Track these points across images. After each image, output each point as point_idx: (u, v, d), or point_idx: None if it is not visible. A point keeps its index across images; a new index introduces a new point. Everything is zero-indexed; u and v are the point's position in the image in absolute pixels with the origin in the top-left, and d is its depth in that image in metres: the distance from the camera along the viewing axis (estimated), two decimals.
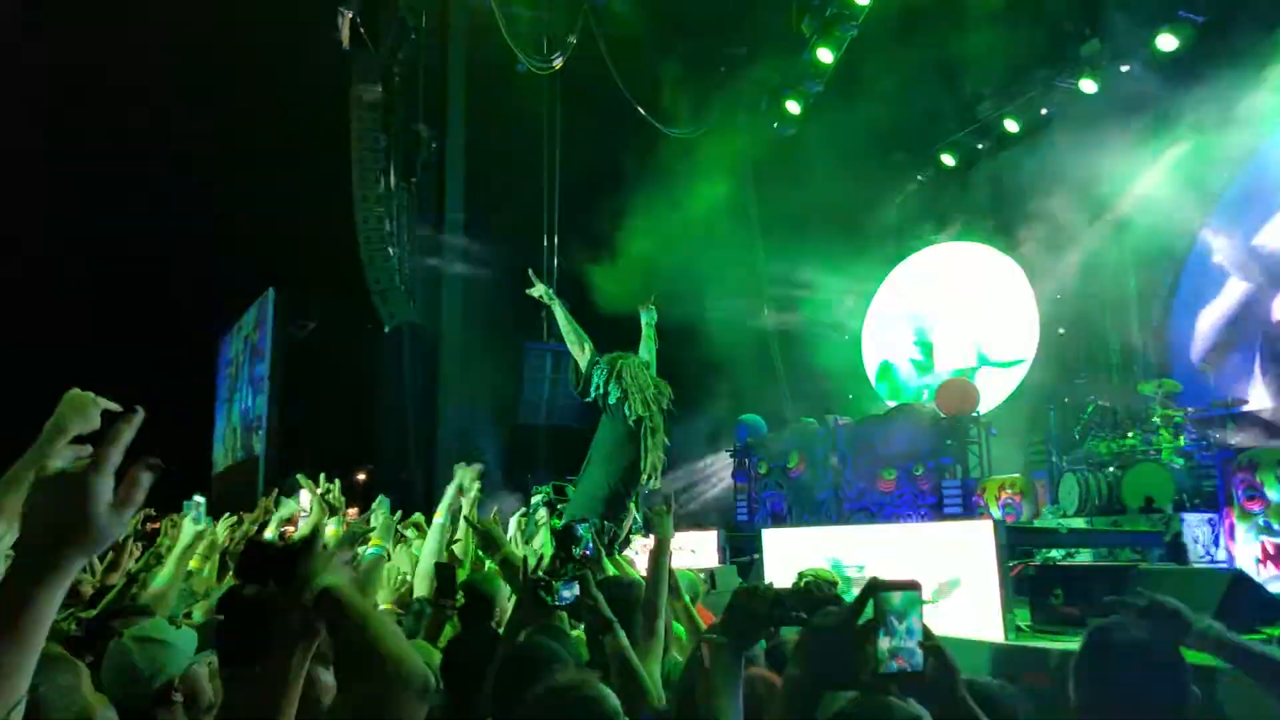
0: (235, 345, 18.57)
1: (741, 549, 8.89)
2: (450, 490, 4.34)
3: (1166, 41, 11.80)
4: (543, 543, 5.73)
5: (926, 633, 1.43)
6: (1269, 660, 2.00)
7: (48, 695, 1.55)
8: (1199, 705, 1.98)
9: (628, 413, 6.03)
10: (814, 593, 1.71)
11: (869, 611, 1.42)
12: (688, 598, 4.28)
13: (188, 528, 3.46)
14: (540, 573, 2.69)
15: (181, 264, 14.60)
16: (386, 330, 14.30)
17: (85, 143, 13.58)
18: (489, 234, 14.00)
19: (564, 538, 2.97)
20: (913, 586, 1.43)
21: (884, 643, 1.40)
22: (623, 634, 2.42)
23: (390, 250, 13.56)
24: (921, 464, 10.91)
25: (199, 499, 3.67)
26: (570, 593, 2.57)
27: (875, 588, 1.43)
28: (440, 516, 4.14)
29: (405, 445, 14.57)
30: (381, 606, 3.85)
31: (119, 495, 1.10)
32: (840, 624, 1.45)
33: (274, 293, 16.45)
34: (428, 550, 3.96)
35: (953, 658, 1.47)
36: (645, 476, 6.34)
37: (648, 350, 6.56)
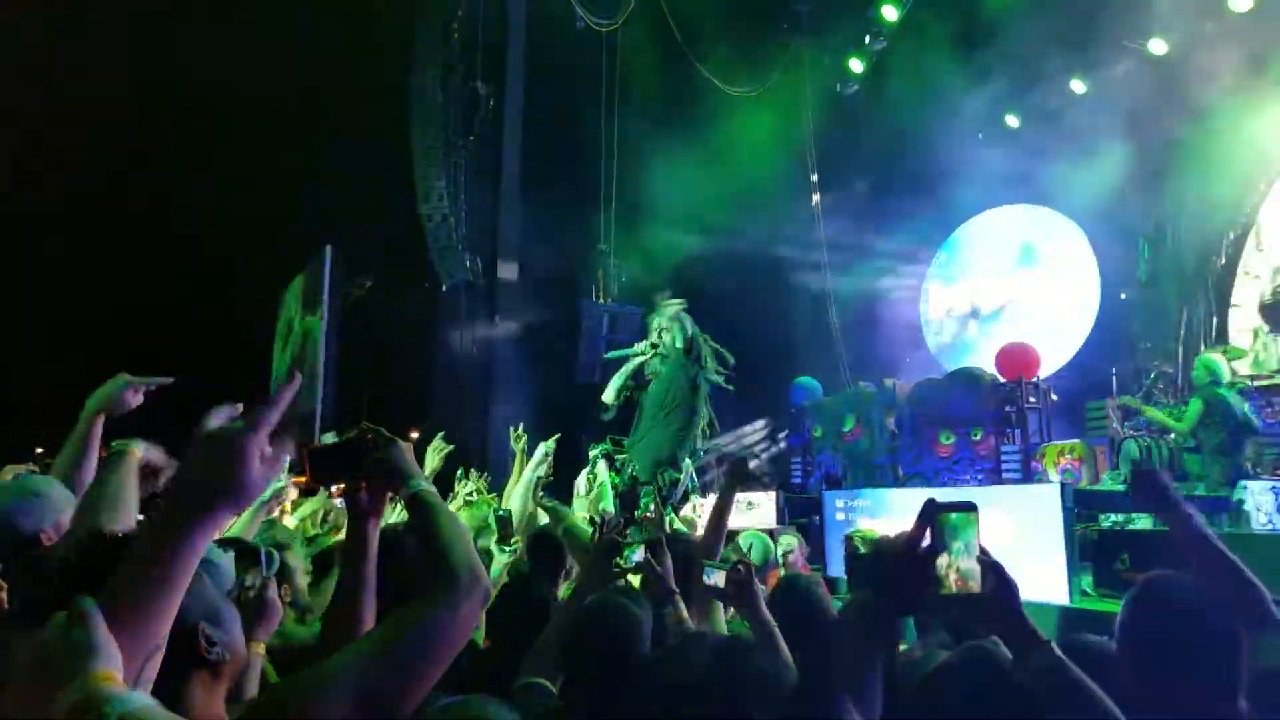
0: (293, 301, 18.88)
1: (799, 510, 8.95)
2: (539, 454, 4.56)
3: (1240, 2, 11.41)
4: (601, 496, 5.84)
5: (983, 550, 1.43)
6: (1233, 566, 2.00)
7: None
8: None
9: (704, 380, 6.13)
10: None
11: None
12: (759, 561, 4.38)
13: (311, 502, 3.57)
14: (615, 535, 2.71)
15: (240, 220, 14.83)
16: (444, 289, 14.45)
17: (146, 98, 13.80)
18: (547, 192, 14.04)
19: (627, 500, 3.01)
20: (968, 507, 1.44)
21: (942, 562, 1.42)
22: (683, 605, 2.43)
23: (448, 208, 13.68)
24: (980, 429, 10.84)
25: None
26: (639, 556, 2.60)
27: (933, 509, 1.44)
28: (530, 472, 4.34)
29: (460, 404, 14.77)
30: None
31: (269, 459, 1.15)
32: (903, 547, 1.46)
33: (331, 250, 16.66)
34: (516, 496, 4.18)
35: (1010, 574, 1.46)
36: (702, 434, 6.43)
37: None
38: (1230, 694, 1.73)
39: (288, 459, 1.19)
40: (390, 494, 1.72)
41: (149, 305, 14.25)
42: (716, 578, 2.38)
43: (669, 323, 6.27)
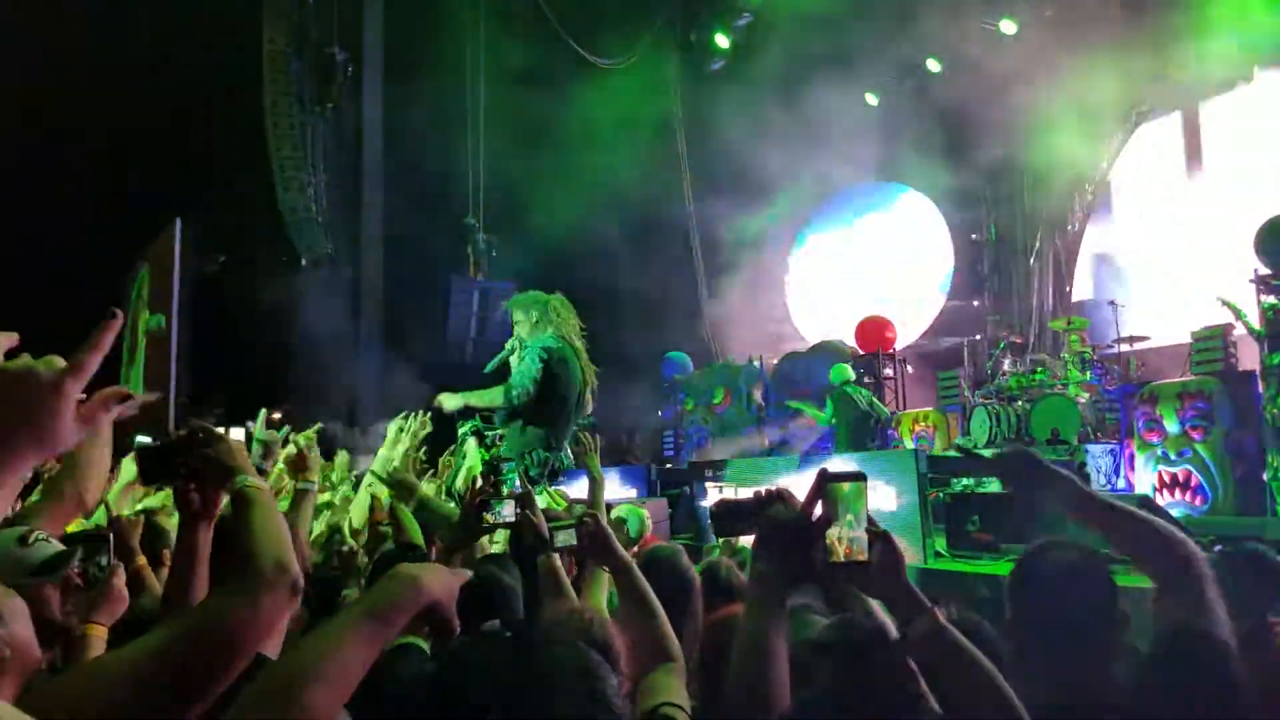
0: (140, 280, 17.78)
1: (670, 482, 9.03)
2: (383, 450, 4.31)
3: None
4: (470, 474, 5.72)
5: (871, 520, 1.46)
6: (1134, 518, 1.85)
7: None
8: (1127, 625, 1.99)
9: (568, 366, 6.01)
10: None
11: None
12: (635, 533, 4.39)
13: (127, 467, 3.37)
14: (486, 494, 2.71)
15: (80, 193, 13.80)
16: (303, 263, 13.87)
17: None
18: (409, 162, 13.61)
19: (490, 476, 2.97)
20: (859, 477, 1.47)
21: (832, 532, 1.44)
22: (555, 556, 2.43)
23: (305, 180, 13.10)
24: None
25: (143, 438, 3.54)
26: (509, 511, 2.58)
27: (825, 479, 1.46)
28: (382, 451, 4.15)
29: (324, 383, 14.25)
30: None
31: (84, 409, 1.05)
32: (796, 518, 1.48)
33: (180, 224, 15.77)
34: (359, 504, 4.01)
35: (897, 544, 1.49)
36: (585, 408, 6.33)
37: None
38: (1102, 660, 1.78)
39: (105, 421, 1.10)
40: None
41: None
42: (567, 536, 2.37)
43: (521, 314, 6.18)
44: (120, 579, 2.15)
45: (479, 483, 2.79)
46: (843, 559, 1.44)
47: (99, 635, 2.09)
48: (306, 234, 13.39)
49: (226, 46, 12.97)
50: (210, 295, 14.61)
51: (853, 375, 10.29)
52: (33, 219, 13.13)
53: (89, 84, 12.74)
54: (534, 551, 2.49)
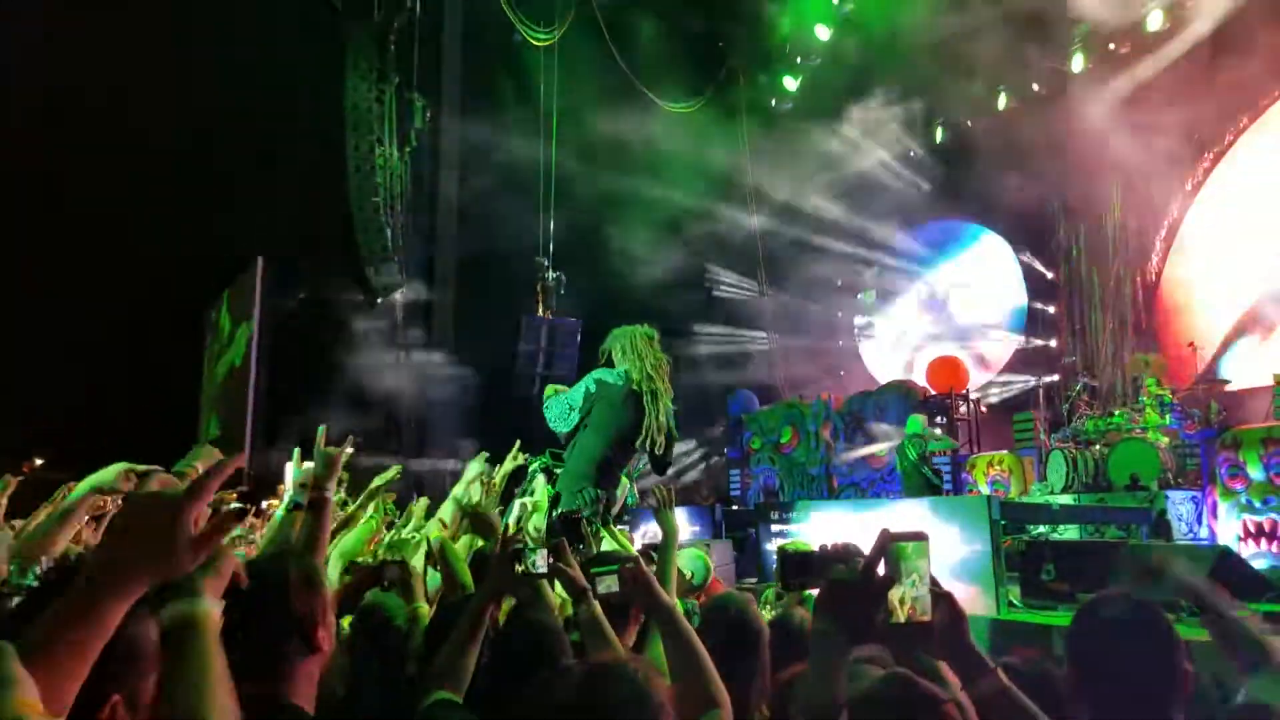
0: (222, 316, 18.44)
1: (737, 523, 9.00)
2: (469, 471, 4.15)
3: (1156, 20, 11.96)
4: (538, 510, 5.71)
5: (934, 580, 1.46)
6: (1235, 623, 2.03)
7: None
8: (1190, 679, 1.98)
9: (621, 380, 5.88)
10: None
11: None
12: (700, 578, 4.33)
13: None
14: (518, 543, 2.55)
15: (166, 232, 14.40)
16: (379, 301, 14.24)
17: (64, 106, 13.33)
18: (483, 205, 13.95)
19: (568, 527, 2.90)
20: (921, 537, 1.46)
21: (895, 592, 1.44)
22: (596, 604, 2.36)
23: (384, 220, 13.48)
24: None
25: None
26: (542, 561, 2.45)
27: (887, 539, 1.46)
28: (459, 489, 4.08)
29: (397, 418, 14.55)
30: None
31: (202, 532, 1.10)
32: (859, 577, 1.47)
33: (262, 262, 16.30)
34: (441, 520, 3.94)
35: (959, 605, 1.51)
36: (641, 442, 6.24)
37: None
38: (1163, 711, 1.78)
39: (220, 541, 1.13)
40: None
41: (61, 322, 13.72)
42: (609, 582, 2.32)
43: (613, 353, 6.09)
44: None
45: (507, 536, 2.67)
46: (905, 619, 1.43)
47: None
48: (383, 273, 13.75)
49: (309, 90, 13.48)
50: (287, 331, 15.06)
51: (919, 429, 9.87)
52: (119, 255, 13.73)
53: (176, 126, 13.35)
54: (575, 602, 2.41)
